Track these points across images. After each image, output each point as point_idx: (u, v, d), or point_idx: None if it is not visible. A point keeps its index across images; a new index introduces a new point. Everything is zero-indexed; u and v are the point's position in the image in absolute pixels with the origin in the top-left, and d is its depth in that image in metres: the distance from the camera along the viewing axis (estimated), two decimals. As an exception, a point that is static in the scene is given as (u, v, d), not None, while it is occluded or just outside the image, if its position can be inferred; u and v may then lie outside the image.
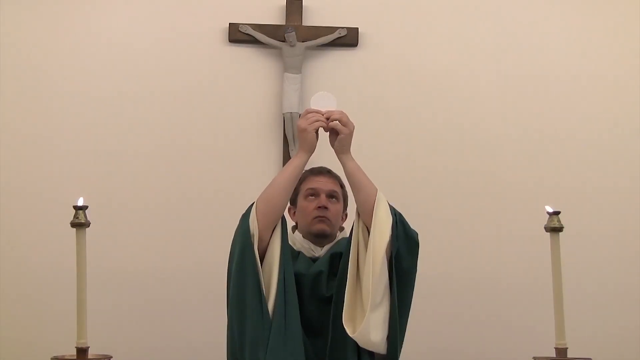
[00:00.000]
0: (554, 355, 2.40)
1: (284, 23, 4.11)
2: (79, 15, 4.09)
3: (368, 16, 4.17)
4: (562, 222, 2.64)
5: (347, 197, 3.12)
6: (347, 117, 2.89)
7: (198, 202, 4.02)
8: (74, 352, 2.19)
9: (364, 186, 2.87)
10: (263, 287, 2.75)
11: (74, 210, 2.30)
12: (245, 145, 4.08)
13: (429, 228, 4.04)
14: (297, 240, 3.14)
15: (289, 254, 2.87)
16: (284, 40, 4.05)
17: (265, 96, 4.11)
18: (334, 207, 3.07)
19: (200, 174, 4.04)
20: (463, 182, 4.10)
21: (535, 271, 3.90)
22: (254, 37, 4.07)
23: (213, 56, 4.12)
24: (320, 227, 3.07)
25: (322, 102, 2.90)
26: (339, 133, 2.86)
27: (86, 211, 2.32)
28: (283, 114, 4.02)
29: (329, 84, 4.12)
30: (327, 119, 2.87)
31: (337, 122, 2.86)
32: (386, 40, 4.16)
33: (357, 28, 4.13)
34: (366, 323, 2.69)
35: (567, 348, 2.38)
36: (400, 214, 2.88)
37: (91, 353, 2.21)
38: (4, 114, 3.99)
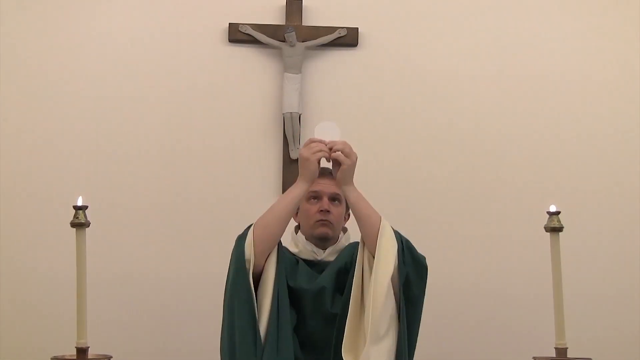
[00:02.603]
0: (554, 355, 2.40)
1: (284, 23, 4.11)
2: (79, 15, 4.08)
3: (368, 16, 4.16)
4: (562, 222, 2.64)
5: None
6: (350, 147, 2.89)
7: (198, 203, 4.02)
8: (74, 352, 2.19)
9: (368, 217, 2.87)
10: (256, 312, 2.75)
11: (74, 210, 2.30)
12: (245, 145, 4.07)
13: (429, 229, 4.06)
14: (299, 242, 3.14)
15: (284, 277, 2.88)
16: (284, 40, 4.05)
17: (265, 96, 4.11)
18: (336, 210, 3.07)
19: (200, 174, 4.04)
20: (463, 182, 4.10)
21: (535, 271, 3.90)
22: (253, 37, 4.07)
23: (213, 56, 4.11)
24: (322, 230, 3.08)
25: (326, 131, 2.88)
26: (341, 164, 2.86)
27: (86, 211, 2.32)
28: (283, 114, 4.02)
29: (329, 84, 4.12)
30: (330, 149, 2.86)
31: (340, 153, 2.85)
32: (386, 40, 4.16)
33: (357, 28, 4.12)
34: (365, 356, 2.68)
35: (567, 348, 2.38)
36: (406, 240, 2.88)
37: (91, 353, 2.21)
38: (3, 114, 3.99)
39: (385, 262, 2.77)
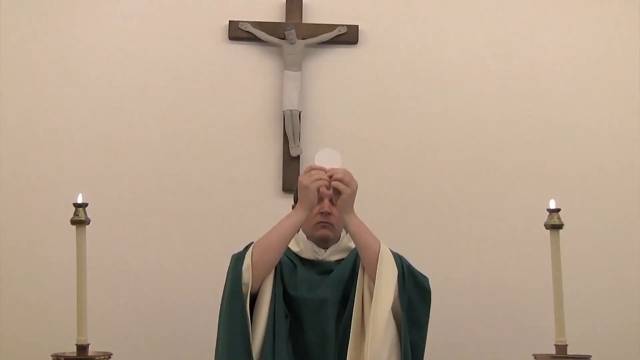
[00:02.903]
0: (554, 352, 2.40)
1: (284, 21, 4.11)
2: (81, 12, 4.08)
3: (368, 14, 4.16)
4: (562, 220, 2.64)
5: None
6: (351, 176, 2.88)
7: (198, 199, 4.02)
8: (74, 349, 2.19)
9: (368, 246, 2.88)
10: (250, 333, 2.77)
11: (74, 208, 2.30)
12: (245, 143, 4.07)
13: (429, 225, 4.06)
14: (300, 240, 3.14)
15: (281, 297, 2.90)
16: (284, 38, 4.04)
17: (265, 94, 4.11)
18: (338, 211, 3.03)
19: (200, 172, 4.04)
20: (462, 179, 4.09)
21: (535, 268, 3.90)
22: (254, 34, 4.06)
23: (213, 54, 4.11)
24: (323, 232, 3.07)
25: (326, 158, 2.86)
26: (341, 193, 2.86)
27: (86, 209, 2.32)
28: (283, 111, 4.02)
29: (329, 81, 4.12)
30: (330, 176, 2.85)
31: (339, 182, 2.84)
32: (386, 38, 4.16)
33: (357, 25, 4.12)
34: None
35: (567, 345, 2.38)
36: (407, 265, 2.89)
37: (91, 350, 2.21)
38: (3, 111, 3.99)
39: (385, 292, 2.78)
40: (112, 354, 2.23)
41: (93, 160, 4.00)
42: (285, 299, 2.96)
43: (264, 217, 3.96)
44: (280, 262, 2.97)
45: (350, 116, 4.09)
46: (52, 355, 2.19)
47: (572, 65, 4.17)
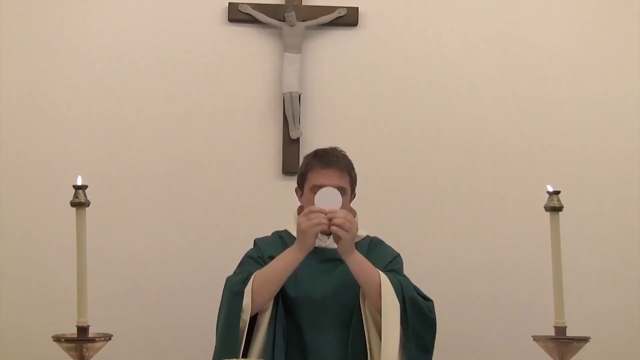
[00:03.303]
0: (553, 334, 2.40)
1: (284, 2, 4.10)
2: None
3: (368, -4, 4.15)
4: (562, 202, 2.64)
5: (355, 180, 3.09)
6: (351, 219, 2.85)
7: (198, 182, 4.03)
8: (75, 331, 2.19)
9: (369, 281, 2.90)
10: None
11: (74, 190, 2.29)
12: (245, 125, 4.07)
13: (429, 207, 4.07)
14: None
15: (283, 315, 2.94)
16: (283, 20, 4.03)
17: (264, 76, 4.11)
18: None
19: (200, 154, 4.04)
20: (463, 160, 4.10)
21: (534, 251, 3.91)
22: (253, 16, 4.06)
23: (212, 36, 4.11)
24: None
25: (327, 198, 2.83)
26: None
27: (86, 191, 2.31)
28: (283, 93, 4.01)
29: (329, 63, 4.12)
30: (330, 219, 2.82)
31: (339, 228, 2.82)
32: (386, 20, 4.15)
33: (357, 8, 4.11)
34: None
35: (566, 327, 2.38)
36: (410, 297, 2.90)
37: (92, 332, 2.21)
38: (3, 93, 3.99)
39: (392, 331, 2.84)
40: (112, 336, 2.22)
41: (93, 142, 4.01)
42: (284, 299, 2.98)
43: (264, 199, 4.00)
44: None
45: (350, 98, 4.09)
46: (52, 337, 2.19)
47: (572, 48, 4.18)
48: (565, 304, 2.38)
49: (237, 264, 3.15)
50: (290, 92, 4.00)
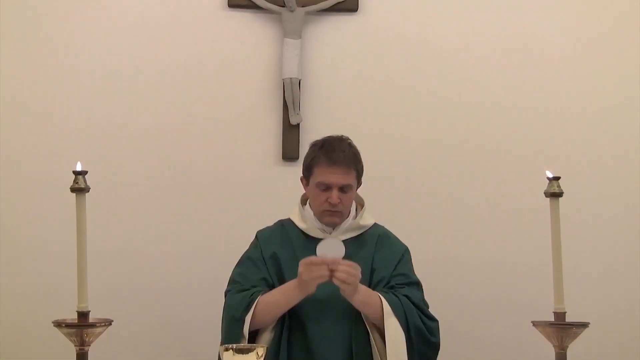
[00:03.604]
0: (552, 319, 2.41)
1: (284, -12, 4.09)
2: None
3: (368, -19, 4.14)
4: (562, 188, 2.64)
5: (361, 171, 3.06)
6: (353, 272, 2.78)
7: (198, 167, 4.02)
8: (75, 316, 2.20)
9: (372, 313, 2.90)
10: None
11: (74, 176, 2.29)
12: (245, 111, 4.07)
13: (428, 194, 4.06)
14: (307, 218, 3.11)
15: (287, 313, 2.93)
16: (283, 5, 4.02)
17: (264, 62, 4.09)
18: (347, 197, 3.02)
19: (200, 140, 4.04)
20: (463, 146, 4.09)
21: (534, 236, 3.91)
22: (253, 2, 4.04)
23: (212, 21, 4.09)
24: (330, 220, 3.06)
25: (330, 249, 2.76)
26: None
27: (86, 177, 2.32)
28: (283, 79, 4.00)
29: (329, 49, 4.10)
30: (332, 270, 2.77)
31: (341, 281, 2.77)
32: (386, 5, 4.13)
33: (357, -7, 4.10)
34: None
35: (565, 312, 2.38)
36: (415, 326, 2.91)
37: (92, 317, 2.22)
38: (3, 79, 3.98)
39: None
40: (112, 321, 2.23)
41: (93, 128, 4.00)
42: None
43: (264, 185, 4.00)
44: (278, 259, 3.02)
45: (350, 84, 4.08)
46: (53, 322, 2.20)
47: (572, 31, 4.15)
48: (565, 289, 2.39)
49: (237, 262, 3.13)
50: (290, 78, 3.99)
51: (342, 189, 2.99)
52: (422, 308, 2.99)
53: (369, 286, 2.98)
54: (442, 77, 4.12)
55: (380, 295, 2.92)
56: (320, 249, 2.77)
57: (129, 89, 4.04)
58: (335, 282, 2.77)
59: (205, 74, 4.07)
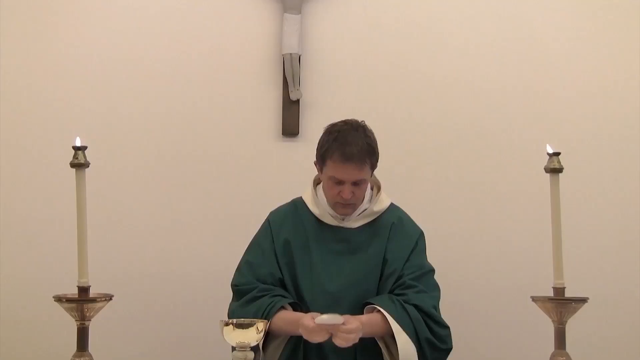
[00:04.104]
0: (551, 294, 2.42)
1: (283, -38, 4.06)
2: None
3: (369, -45, 4.12)
4: (562, 163, 2.64)
5: (376, 160, 3.00)
6: (352, 337, 2.74)
7: (198, 143, 4.02)
8: (76, 291, 2.20)
9: (382, 335, 2.88)
10: None
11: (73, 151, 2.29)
12: (244, 87, 4.05)
13: (428, 171, 4.06)
14: (320, 204, 3.06)
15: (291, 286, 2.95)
16: (283, -20, 4.00)
17: (264, 37, 4.07)
18: (360, 191, 2.97)
19: (200, 116, 4.03)
20: (463, 121, 4.08)
21: (533, 212, 3.92)
22: (253, -24, 4.02)
23: (211, -4, 4.08)
24: (343, 212, 3.02)
25: (329, 320, 2.72)
26: None
27: (86, 152, 2.31)
28: (282, 55, 3.99)
29: (329, 24, 4.08)
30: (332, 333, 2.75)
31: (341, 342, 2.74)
32: (387, -20, 4.12)
33: (357, -33, 4.08)
34: None
35: (564, 287, 2.39)
36: (425, 339, 2.88)
37: (92, 292, 2.23)
38: (2, 51, 3.97)
39: None
40: (112, 296, 2.24)
41: (92, 104, 3.99)
42: (299, 289, 2.97)
43: (264, 161, 4.00)
44: (290, 247, 2.99)
45: (350, 59, 4.06)
46: (54, 297, 2.21)
47: (573, 8, 4.14)
48: (564, 265, 2.40)
49: (248, 245, 3.11)
50: (290, 54, 3.97)
51: (356, 182, 2.93)
52: (433, 316, 2.94)
53: (380, 277, 2.97)
54: (443, 53, 4.11)
55: (386, 314, 2.86)
56: (319, 320, 2.72)
57: (128, 66, 4.02)
58: (337, 343, 2.74)
59: (205, 49, 4.05)
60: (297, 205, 3.13)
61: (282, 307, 2.90)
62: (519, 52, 4.11)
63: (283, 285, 3.00)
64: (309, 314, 2.79)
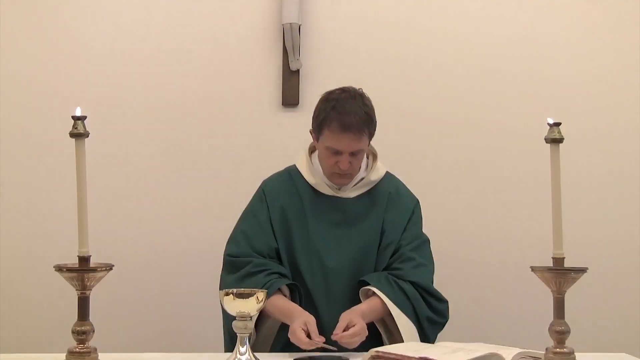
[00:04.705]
0: (551, 265, 2.42)
1: None
2: None
3: None
4: (563, 134, 2.64)
5: (374, 130, 2.94)
6: (357, 339, 2.68)
7: (197, 113, 4.02)
8: (76, 260, 2.20)
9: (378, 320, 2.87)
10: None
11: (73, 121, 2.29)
12: (244, 57, 4.05)
13: (428, 138, 4.06)
14: (317, 173, 3.01)
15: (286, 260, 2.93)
16: (283, -51, 3.98)
17: (264, 7, 4.07)
18: (357, 161, 2.92)
19: (199, 86, 4.03)
20: (465, 92, 4.09)
21: (534, 182, 3.92)
22: (252, -55, 3.99)
23: (211, -34, 4.05)
24: (340, 182, 2.97)
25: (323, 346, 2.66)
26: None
27: (85, 122, 2.31)
28: (282, 24, 3.97)
29: (329, -7, 4.08)
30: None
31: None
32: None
33: None
34: None
35: (564, 258, 2.39)
36: (426, 317, 2.88)
37: (93, 262, 2.23)
38: (2, 21, 3.95)
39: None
40: (113, 266, 2.24)
41: (93, 74, 3.99)
42: (296, 265, 2.93)
43: (264, 131, 4.00)
44: (286, 215, 2.93)
45: (350, 29, 4.05)
46: (54, 267, 2.21)
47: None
48: (564, 235, 2.39)
49: (242, 214, 3.06)
50: (290, 23, 3.95)
51: (354, 153, 2.89)
52: (431, 292, 2.94)
53: (378, 248, 2.96)
54: (443, 22, 4.09)
55: (386, 299, 2.84)
56: (313, 345, 2.65)
57: (128, 36, 4.02)
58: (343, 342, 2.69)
59: (205, 20, 4.04)
60: (292, 173, 3.08)
61: (279, 289, 2.87)
62: (521, 21, 4.11)
63: (278, 256, 2.95)
64: (302, 318, 2.72)
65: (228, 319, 2.75)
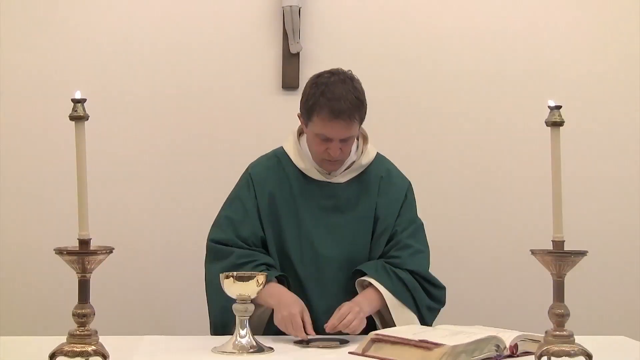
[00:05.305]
0: (551, 248, 2.42)
1: None
2: None
3: None
4: (563, 117, 2.64)
5: (364, 115, 2.84)
6: (355, 322, 2.65)
7: (198, 97, 4.02)
8: (77, 244, 2.20)
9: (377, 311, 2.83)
10: None
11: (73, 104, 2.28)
12: (245, 39, 4.04)
13: (429, 123, 4.06)
14: (306, 158, 2.92)
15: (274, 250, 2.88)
16: None
17: (264, -11, 4.05)
18: (347, 147, 2.85)
19: (200, 69, 4.03)
20: (465, 77, 4.09)
21: (534, 165, 3.92)
22: None
23: (210, -51, 4.04)
24: (329, 168, 2.90)
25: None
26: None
27: (85, 105, 2.31)
28: (282, 7, 3.97)
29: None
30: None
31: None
32: None
33: None
34: None
35: (564, 241, 2.39)
36: (425, 306, 2.86)
37: (93, 245, 2.23)
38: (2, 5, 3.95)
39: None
40: (113, 249, 2.24)
41: (93, 56, 3.98)
42: (284, 252, 2.87)
43: (264, 114, 4.00)
44: (275, 201, 2.86)
45: (350, 11, 4.04)
46: (54, 249, 2.21)
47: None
48: (564, 218, 2.40)
49: (227, 198, 2.98)
50: (290, 6, 3.94)
51: (344, 139, 2.80)
52: (430, 279, 2.91)
53: (372, 235, 2.91)
54: (445, 8, 4.09)
55: (383, 289, 2.80)
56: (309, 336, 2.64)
57: (129, 20, 4.01)
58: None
59: (204, 4, 4.02)
60: (280, 157, 2.99)
61: None
62: (521, 4, 4.09)
63: (264, 245, 2.88)
64: (300, 306, 2.69)
65: (214, 306, 2.79)
